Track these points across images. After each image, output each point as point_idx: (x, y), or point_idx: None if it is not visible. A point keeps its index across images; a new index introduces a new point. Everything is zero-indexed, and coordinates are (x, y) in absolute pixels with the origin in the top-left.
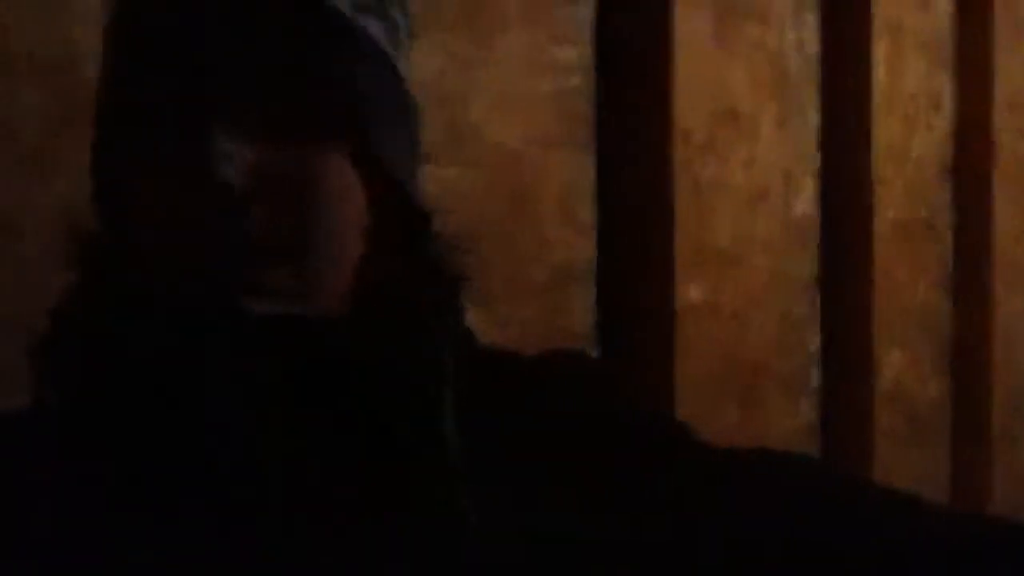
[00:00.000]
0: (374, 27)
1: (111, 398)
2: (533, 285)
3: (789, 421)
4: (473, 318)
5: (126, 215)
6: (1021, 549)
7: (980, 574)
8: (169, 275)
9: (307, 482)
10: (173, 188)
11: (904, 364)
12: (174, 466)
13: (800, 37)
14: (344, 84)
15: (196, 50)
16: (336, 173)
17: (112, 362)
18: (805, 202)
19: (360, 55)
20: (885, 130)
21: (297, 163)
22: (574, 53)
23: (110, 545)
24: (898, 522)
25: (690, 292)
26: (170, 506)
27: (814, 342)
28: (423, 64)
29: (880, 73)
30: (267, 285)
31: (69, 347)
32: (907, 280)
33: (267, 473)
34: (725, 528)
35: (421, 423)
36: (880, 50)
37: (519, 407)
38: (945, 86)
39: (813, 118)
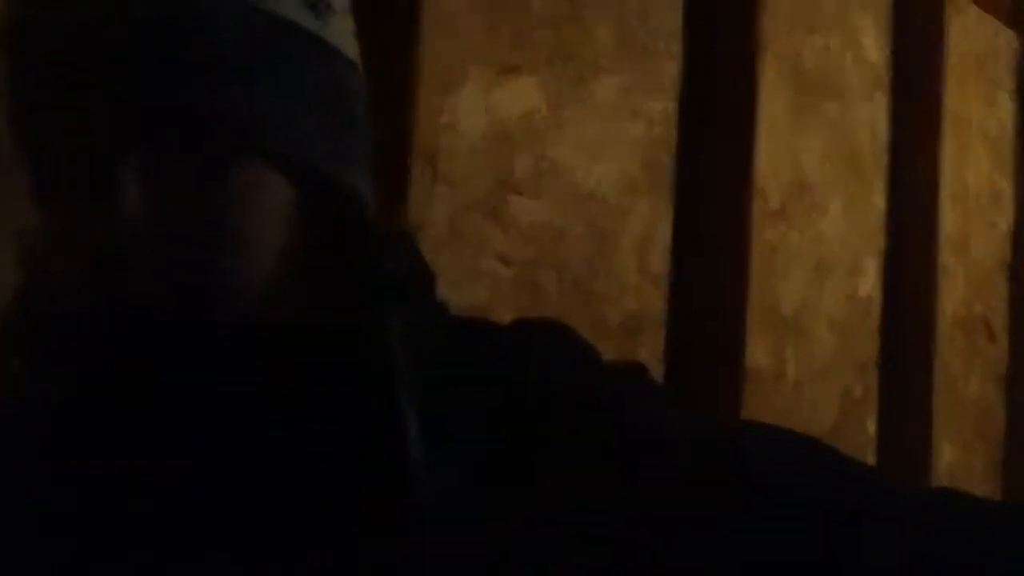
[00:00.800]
0: (287, 4)
1: (82, 390)
2: (608, 329)
3: None
4: None
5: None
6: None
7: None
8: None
9: (273, 475)
10: (73, 225)
11: (957, 460)
12: (149, 459)
13: (872, 116)
14: (240, 98)
15: (70, 82)
16: (251, 181)
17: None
18: (868, 283)
19: (261, 45)
20: (949, 223)
21: (206, 183)
22: (660, 105)
23: (83, 541)
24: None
25: (757, 355)
26: (144, 500)
27: (872, 426)
28: (515, 99)
29: (946, 164)
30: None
31: (36, 338)
32: (962, 374)
33: (237, 468)
34: (702, 512)
35: (372, 406)
36: (947, 140)
37: (494, 377)
38: (1006, 184)
39: (879, 200)
